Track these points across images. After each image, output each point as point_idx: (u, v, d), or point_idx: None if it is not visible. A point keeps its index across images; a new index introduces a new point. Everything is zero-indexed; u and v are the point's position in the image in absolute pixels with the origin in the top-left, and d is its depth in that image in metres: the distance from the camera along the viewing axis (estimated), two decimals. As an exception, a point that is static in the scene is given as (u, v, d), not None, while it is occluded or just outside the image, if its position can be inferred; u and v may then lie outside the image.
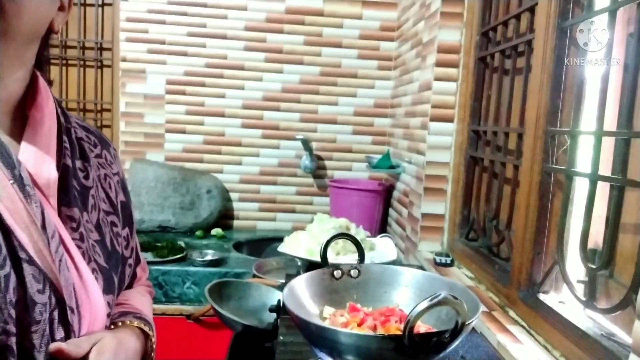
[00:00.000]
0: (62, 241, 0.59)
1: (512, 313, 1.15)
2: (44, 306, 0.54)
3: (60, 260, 0.57)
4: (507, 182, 1.34)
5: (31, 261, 0.54)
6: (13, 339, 0.51)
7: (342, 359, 0.70)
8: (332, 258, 1.18)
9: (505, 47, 1.38)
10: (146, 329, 0.72)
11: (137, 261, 0.82)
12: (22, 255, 0.53)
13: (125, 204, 0.75)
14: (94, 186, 0.69)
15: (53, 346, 0.55)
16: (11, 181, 0.54)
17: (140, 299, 0.79)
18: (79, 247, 0.62)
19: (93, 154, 0.71)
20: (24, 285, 0.53)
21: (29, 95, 0.62)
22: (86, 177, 0.67)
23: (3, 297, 0.50)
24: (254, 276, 1.65)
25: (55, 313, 0.56)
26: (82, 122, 0.73)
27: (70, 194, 0.63)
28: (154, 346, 0.74)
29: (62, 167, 0.62)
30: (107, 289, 0.65)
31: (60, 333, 0.56)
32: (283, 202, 2.46)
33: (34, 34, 0.59)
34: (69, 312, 0.57)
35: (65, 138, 0.65)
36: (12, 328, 0.51)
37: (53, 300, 0.55)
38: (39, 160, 0.59)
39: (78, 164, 0.67)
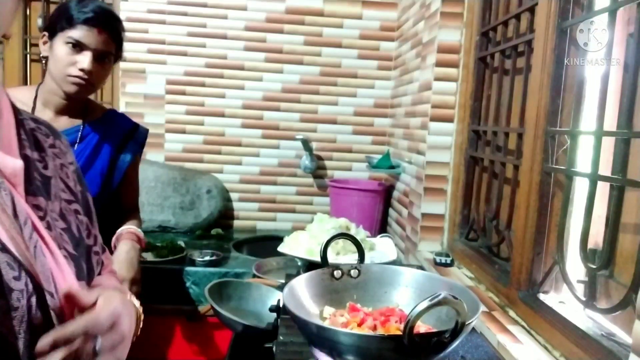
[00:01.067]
0: (35, 228, 0.58)
1: (512, 313, 1.15)
2: (21, 292, 0.53)
3: (35, 247, 0.57)
4: (507, 182, 1.34)
5: (4, 249, 0.53)
6: None
7: (342, 359, 0.70)
8: (332, 258, 1.18)
9: (505, 47, 1.38)
10: (133, 299, 0.74)
11: (103, 249, 0.81)
12: None
13: (83, 193, 0.75)
14: (54, 176, 0.69)
15: (65, 289, 0.56)
16: None
17: (113, 282, 0.80)
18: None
19: (47, 144, 0.71)
20: None
21: None
22: (45, 167, 0.68)
23: None
24: (254, 276, 1.65)
25: (33, 299, 0.55)
26: (31, 115, 0.73)
27: (33, 183, 0.63)
28: (142, 319, 0.77)
29: (23, 158, 0.63)
30: (79, 276, 0.65)
31: (38, 318, 0.55)
32: (283, 202, 2.46)
33: None
34: (48, 297, 0.56)
35: (21, 130, 0.65)
36: None
37: (30, 286, 0.55)
38: (3, 150, 0.59)
39: (35, 155, 0.67)
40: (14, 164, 0.60)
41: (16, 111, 0.67)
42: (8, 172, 0.59)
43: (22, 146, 0.64)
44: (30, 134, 0.68)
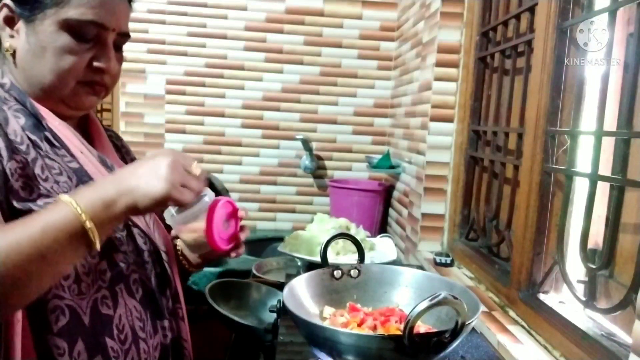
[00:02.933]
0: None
1: (512, 313, 1.15)
2: (148, 252, 0.81)
3: (152, 223, 0.86)
4: (507, 182, 1.34)
5: (135, 225, 0.80)
6: (136, 275, 0.77)
7: (342, 359, 0.70)
8: (332, 258, 1.18)
9: (505, 47, 1.38)
10: None
11: None
12: (131, 223, 0.79)
13: None
14: None
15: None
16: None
17: None
18: None
19: (122, 147, 0.95)
20: (134, 240, 0.79)
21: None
22: (126, 163, 0.91)
23: (125, 247, 0.76)
24: (254, 276, 1.65)
25: (154, 256, 0.82)
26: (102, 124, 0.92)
27: None
28: None
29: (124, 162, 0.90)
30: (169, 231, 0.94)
31: (157, 268, 0.82)
32: (283, 202, 2.46)
33: None
34: (162, 254, 0.84)
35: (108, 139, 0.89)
36: (132, 267, 0.76)
37: (152, 248, 0.82)
38: (114, 159, 0.84)
39: (126, 157, 0.93)
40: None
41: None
42: None
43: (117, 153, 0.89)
44: (111, 141, 0.90)
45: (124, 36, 0.78)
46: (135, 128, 2.37)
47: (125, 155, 0.94)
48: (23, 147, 0.67)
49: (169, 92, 2.36)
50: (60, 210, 0.59)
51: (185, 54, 2.34)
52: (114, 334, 0.71)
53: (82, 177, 0.72)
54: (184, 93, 2.36)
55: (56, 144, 0.72)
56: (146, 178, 0.63)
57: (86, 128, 0.85)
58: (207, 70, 2.35)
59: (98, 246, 0.61)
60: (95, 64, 0.74)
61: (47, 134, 0.72)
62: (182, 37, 2.32)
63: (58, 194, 0.64)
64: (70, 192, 0.62)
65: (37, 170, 0.67)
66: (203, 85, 2.36)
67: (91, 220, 0.59)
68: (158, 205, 0.64)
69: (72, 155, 0.73)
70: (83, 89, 0.75)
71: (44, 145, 0.70)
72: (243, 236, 0.84)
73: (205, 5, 2.31)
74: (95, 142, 0.84)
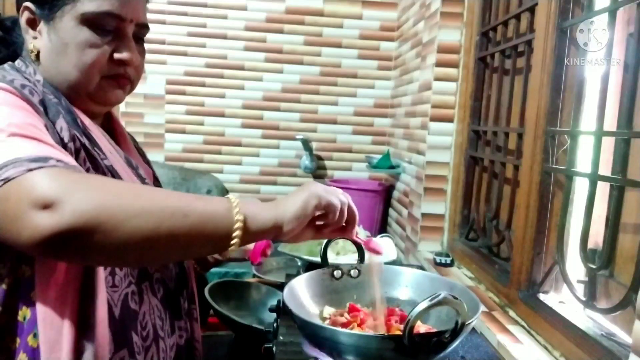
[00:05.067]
0: None
1: (512, 313, 1.15)
2: None
3: None
4: (507, 182, 1.34)
5: None
6: (159, 274, 0.77)
7: (342, 359, 0.70)
8: (332, 258, 1.17)
9: (505, 47, 1.38)
10: None
11: None
12: None
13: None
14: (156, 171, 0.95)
15: None
16: (138, 180, 0.77)
17: None
18: None
19: (138, 146, 0.95)
20: None
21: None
22: (147, 163, 0.93)
23: None
24: (254, 276, 1.65)
25: None
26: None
27: (156, 178, 0.91)
28: None
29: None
30: None
31: (177, 269, 0.82)
32: (283, 202, 2.46)
33: None
34: None
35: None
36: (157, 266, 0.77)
37: None
38: (138, 160, 0.84)
39: (139, 155, 0.91)
40: (148, 170, 0.87)
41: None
42: (149, 180, 0.82)
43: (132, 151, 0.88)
44: (132, 142, 0.91)
45: (143, 27, 0.78)
46: (135, 128, 2.37)
47: (143, 156, 0.94)
48: (67, 140, 0.67)
49: (169, 92, 2.36)
50: (221, 203, 0.61)
51: (185, 54, 2.34)
52: (138, 330, 0.71)
53: (114, 176, 0.73)
54: (184, 93, 2.36)
55: (92, 140, 0.72)
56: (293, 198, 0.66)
57: (110, 129, 0.84)
58: (207, 70, 2.35)
59: (229, 254, 0.63)
60: (117, 55, 0.74)
61: (84, 131, 0.72)
62: (182, 37, 2.32)
63: None
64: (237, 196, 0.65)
65: (80, 162, 0.67)
66: (203, 85, 2.36)
67: (242, 229, 0.60)
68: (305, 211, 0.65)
69: (104, 153, 0.73)
70: (108, 83, 0.75)
71: (84, 140, 0.70)
72: (269, 252, 0.95)
73: (205, 5, 2.31)
74: (120, 142, 0.84)
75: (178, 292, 0.82)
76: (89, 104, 0.76)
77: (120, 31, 0.74)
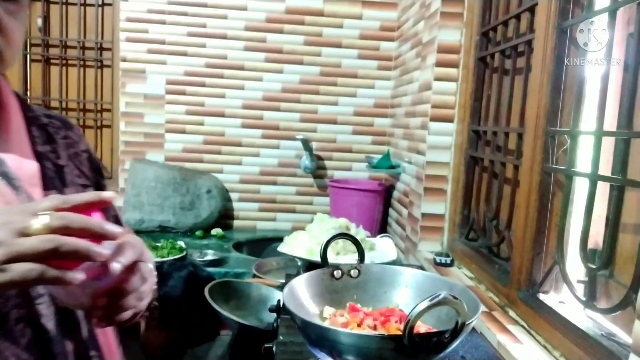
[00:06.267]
0: None
1: (512, 313, 1.15)
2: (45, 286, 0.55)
3: None
4: (507, 182, 1.34)
5: None
6: (22, 310, 0.56)
7: (342, 359, 0.70)
8: (332, 258, 1.18)
9: (505, 47, 1.38)
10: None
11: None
12: None
13: (96, 178, 0.76)
14: (67, 164, 0.71)
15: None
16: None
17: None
18: None
19: (59, 136, 0.72)
20: None
21: None
22: (58, 157, 0.70)
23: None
24: (254, 276, 1.65)
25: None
26: (44, 110, 0.75)
27: (47, 176, 0.66)
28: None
29: (36, 154, 0.65)
30: None
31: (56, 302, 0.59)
32: (283, 202, 2.46)
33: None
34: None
35: (33, 128, 0.67)
36: (18, 301, 0.55)
37: None
38: (18, 154, 0.62)
39: (47, 147, 0.69)
40: (30, 167, 0.63)
41: (26, 109, 0.69)
42: (26, 176, 0.61)
43: (34, 143, 0.66)
44: (43, 129, 0.70)
45: None
46: (135, 128, 2.37)
47: (58, 150, 0.71)
48: None
49: (169, 92, 2.36)
50: None
51: (185, 54, 2.34)
52: None
53: None
54: (184, 93, 2.36)
55: None
56: None
57: None
58: (207, 70, 2.35)
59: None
60: None
61: None
62: (182, 37, 2.32)
63: None
64: None
65: None
66: (203, 85, 2.36)
67: None
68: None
69: None
70: None
71: None
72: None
73: (205, 5, 2.31)
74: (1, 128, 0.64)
75: (62, 333, 0.60)
76: None
77: None
